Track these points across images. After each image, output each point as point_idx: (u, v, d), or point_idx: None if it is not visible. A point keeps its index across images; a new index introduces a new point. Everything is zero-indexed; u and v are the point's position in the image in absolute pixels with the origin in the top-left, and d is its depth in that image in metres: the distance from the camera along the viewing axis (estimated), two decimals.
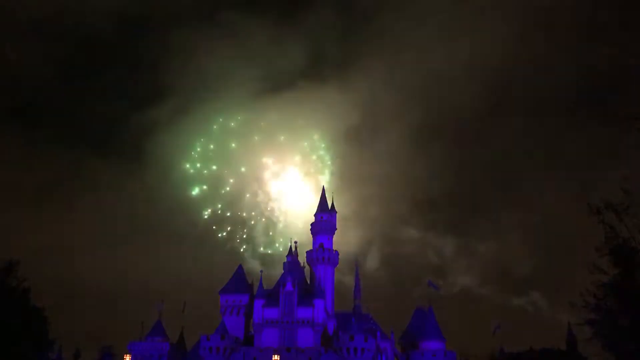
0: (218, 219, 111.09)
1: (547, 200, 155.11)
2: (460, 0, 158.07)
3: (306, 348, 75.01)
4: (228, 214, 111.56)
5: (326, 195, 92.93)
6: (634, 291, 35.46)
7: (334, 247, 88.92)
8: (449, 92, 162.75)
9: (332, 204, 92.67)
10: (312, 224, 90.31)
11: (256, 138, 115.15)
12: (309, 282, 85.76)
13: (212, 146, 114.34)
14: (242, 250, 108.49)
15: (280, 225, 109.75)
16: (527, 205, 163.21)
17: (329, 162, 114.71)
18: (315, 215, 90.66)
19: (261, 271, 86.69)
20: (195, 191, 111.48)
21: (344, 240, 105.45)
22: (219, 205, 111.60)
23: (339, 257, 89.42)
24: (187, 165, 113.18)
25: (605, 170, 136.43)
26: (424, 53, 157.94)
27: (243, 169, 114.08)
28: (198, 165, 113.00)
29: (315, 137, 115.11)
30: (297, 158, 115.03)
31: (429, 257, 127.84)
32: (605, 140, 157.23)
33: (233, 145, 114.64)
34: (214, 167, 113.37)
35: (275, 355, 71.60)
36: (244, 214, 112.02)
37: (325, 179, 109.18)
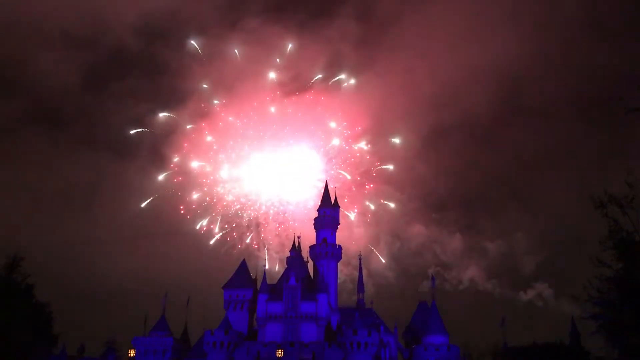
0: (228, 220, 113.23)
1: (555, 198, 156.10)
2: (474, 7, 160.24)
3: (310, 343, 75.07)
4: (238, 215, 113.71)
5: (329, 190, 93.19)
6: (637, 285, 35.37)
7: (340, 243, 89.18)
8: (461, 96, 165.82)
9: (335, 199, 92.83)
10: (315, 219, 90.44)
11: (272, 142, 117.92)
12: (312, 277, 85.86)
13: (229, 150, 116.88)
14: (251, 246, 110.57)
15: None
16: (534, 203, 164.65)
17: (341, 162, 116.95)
18: (318, 210, 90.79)
19: (264, 266, 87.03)
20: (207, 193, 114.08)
21: (350, 235, 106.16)
22: (231, 207, 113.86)
23: (343, 252, 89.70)
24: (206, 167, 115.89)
25: (610, 165, 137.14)
26: (437, 58, 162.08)
27: (257, 172, 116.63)
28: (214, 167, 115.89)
29: (329, 140, 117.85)
30: (312, 159, 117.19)
31: (435, 253, 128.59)
32: (612, 136, 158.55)
33: (248, 148, 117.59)
34: (230, 170, 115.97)
35: (279, 350, 71.73)
36: (255, 215, 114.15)
37: (336, 179, 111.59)
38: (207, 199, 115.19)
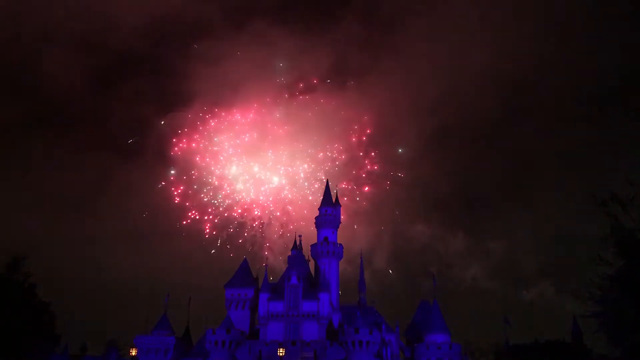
0: (229, 221, 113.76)
1: (556, 197, 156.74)
2: (476, 9, 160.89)
3: (311, 341, 75.15)
4: (239, 214, 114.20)
5: (330, 189, 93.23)
6: (639, 282, 35.32)
7: (341, 242, 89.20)
8: (464, 97, 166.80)
9: (337, 198, 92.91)
10: (316, 218, 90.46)
11: (275, 142, 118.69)
12: (313, 275, 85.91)
13: (230, 150, 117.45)
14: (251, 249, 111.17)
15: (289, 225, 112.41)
16: (536, 202, 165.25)
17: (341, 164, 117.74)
18: (319, 209, 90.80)
19: (266, 265, 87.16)
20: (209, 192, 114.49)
21: (352, 234, 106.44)
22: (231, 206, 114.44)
23: (345, 250, 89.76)
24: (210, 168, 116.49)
25: (611, 164, 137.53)
26: (440, 60, 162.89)
27: (260, 172, 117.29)
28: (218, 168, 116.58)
29: (332, 139, 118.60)
30: (314, 159, 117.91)
31: (438, 252, 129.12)
32: (613, 135, 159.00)
33: (251, 149, 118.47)
34: (233, 171, 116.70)
35: (281, 349, 71.76)
36: (256, 214, 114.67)
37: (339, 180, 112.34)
38: (207, 199, 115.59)
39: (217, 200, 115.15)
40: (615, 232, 36.12)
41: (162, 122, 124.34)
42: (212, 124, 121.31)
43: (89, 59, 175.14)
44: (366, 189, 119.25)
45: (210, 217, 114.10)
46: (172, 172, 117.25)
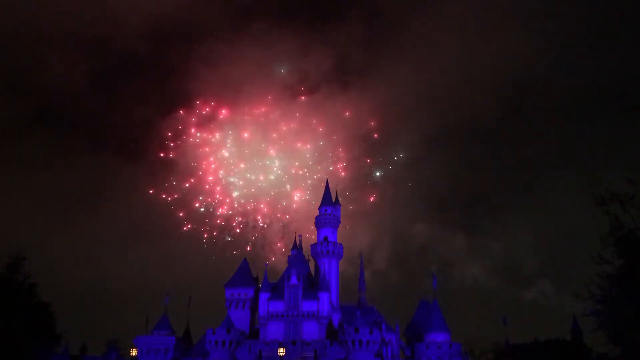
0: (230, 223, 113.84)
1: (556, 196, 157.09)
2: (477, 10, 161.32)
3: (311, 341, 75.10)
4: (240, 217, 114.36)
5: (330, 189, 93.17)
6: (639, 281, 35.36)
7: (341, 241, 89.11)
8: (465, 96, 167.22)
9: (337, 198, 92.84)
10: (316, 218, 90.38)
11: (276, 142, 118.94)
12: (313, 275, 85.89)
13: (227, 153, 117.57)
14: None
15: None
16: (536, 202, 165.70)
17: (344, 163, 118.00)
18: (319, 208, 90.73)
19: (266, 264, 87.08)
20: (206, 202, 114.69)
21: (352, 234, 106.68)
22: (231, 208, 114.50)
23: (345, 250, 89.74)
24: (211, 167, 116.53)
25: (611, 163, 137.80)
26: (442, 60, 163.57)
27: (261, 172, 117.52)
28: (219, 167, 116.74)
29: (335, 139, 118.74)
30: (315, 159, 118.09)
31: (438, 252, 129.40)
32: (612, 135, 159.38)
33: (250, 149, 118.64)
34: (233, 171, 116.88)
35: (281, 348, 71.75)
36: (258, 217, 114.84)
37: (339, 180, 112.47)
38: (203, 209, 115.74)
39: (212, 208, 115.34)
40: (615, 231, 36.17)
41: (163, 125, 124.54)
42: (211, 126, 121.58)
43: (90, 59, 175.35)
44: (371, 199, 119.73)
45: (208, 228, 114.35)
46: (171, 179, 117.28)
